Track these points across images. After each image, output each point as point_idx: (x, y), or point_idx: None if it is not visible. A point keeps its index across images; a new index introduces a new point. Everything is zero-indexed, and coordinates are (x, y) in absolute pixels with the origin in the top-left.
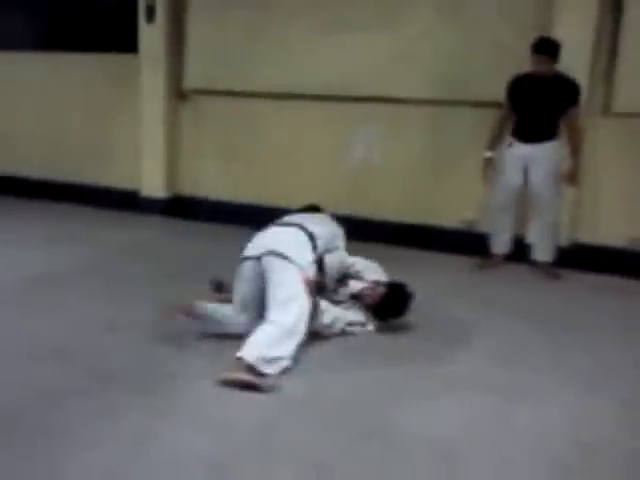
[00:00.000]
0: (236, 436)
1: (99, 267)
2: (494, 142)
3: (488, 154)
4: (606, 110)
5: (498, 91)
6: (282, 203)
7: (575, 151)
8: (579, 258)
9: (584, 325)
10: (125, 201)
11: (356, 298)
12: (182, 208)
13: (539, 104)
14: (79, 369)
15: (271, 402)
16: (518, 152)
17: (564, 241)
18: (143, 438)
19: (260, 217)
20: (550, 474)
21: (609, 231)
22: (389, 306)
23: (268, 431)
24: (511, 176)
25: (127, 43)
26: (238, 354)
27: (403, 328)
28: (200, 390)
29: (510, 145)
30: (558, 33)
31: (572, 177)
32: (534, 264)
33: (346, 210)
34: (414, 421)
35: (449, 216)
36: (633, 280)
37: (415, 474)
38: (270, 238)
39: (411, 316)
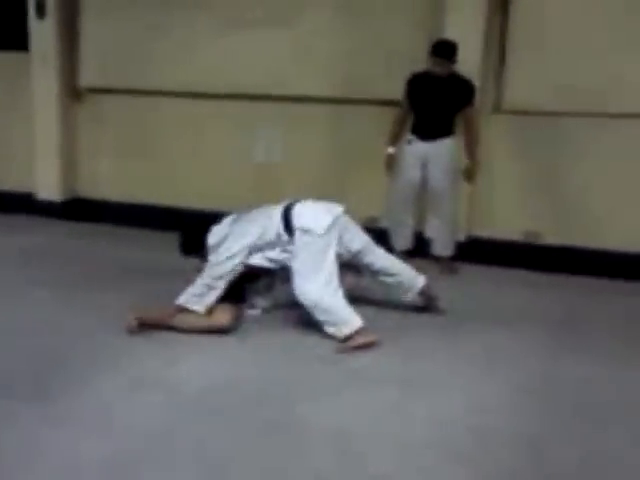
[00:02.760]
0: (136, 439)
1: None
2: (394, 139)
3: (390, 150)
4: (497, 108)
5: (394, 89)
6: (185, 204)
7: (471, 148)
8: (476, 252)
9: (481, 316)
10: (20, 204)
11: None
12: (81, 210)
13: (436, 103)
14: None
15: (174, 401)
16: (417, 149)
17: (461, 236)
18: (39, 446)
19: (162, 218)
20: (442, 460)
21: (505, 225)
22: None
23: (170, 432)
24: (410, 172)
25: (16, 40)
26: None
27: (304, 323)
28: (99, 394)
29: (409, 142)
30: (449, 33)
31: (470, 173)
32: (434, 259)
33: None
34: (314, 415)
35: (353, 213)
36: (528, 272)
37: (313, 469)
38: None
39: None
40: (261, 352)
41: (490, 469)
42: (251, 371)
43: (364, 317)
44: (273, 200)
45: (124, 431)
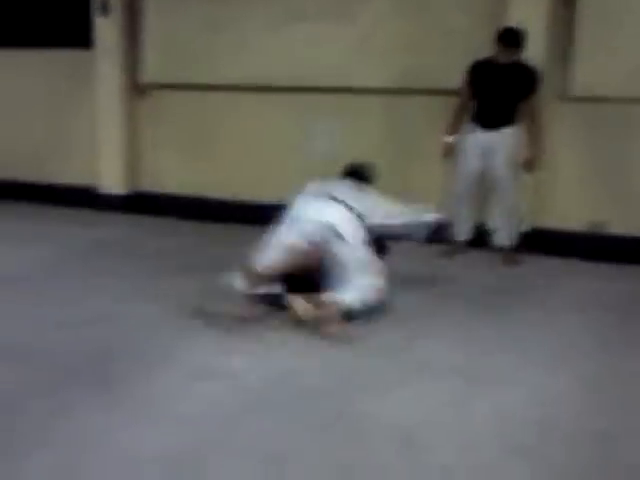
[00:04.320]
0: (195, 430)
1: (60, 265)
2: (454, 128)
3: (448, 139)
4: (563, 95)
5: (454, 79)
6: (245, 197)
7: (534, 137)
8: (540, 242)
9: (544, 308)
10: (83, 198)
11: None
12: (143, 204)
13: (499, 90)
14: (36, 368)
15: (234, 391)
16: (478, 138)
17: (525, 226)
18: (100, 435)
19: (223, 211)
20: (505, 452)
21: (569, 215)
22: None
23: (228, 424)
24: (471, 162)
25: (81, 38)
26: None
27: (365, 315)
28: (159, 384)
29: (470, 131)
30: (512, 18)
31: (531, 163)
32: (496, 249)
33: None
34: (376, 408)
35: (412, 204)
36: (593, 263)
37: (375, 462)
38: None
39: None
40: (321, 343)
41: (553, 463)
42: (311, 362)
43: (426, 307)
44: None
45: (183, 421)
